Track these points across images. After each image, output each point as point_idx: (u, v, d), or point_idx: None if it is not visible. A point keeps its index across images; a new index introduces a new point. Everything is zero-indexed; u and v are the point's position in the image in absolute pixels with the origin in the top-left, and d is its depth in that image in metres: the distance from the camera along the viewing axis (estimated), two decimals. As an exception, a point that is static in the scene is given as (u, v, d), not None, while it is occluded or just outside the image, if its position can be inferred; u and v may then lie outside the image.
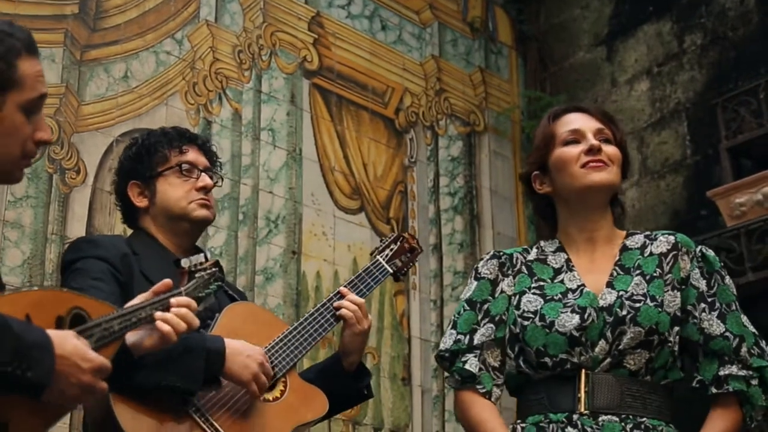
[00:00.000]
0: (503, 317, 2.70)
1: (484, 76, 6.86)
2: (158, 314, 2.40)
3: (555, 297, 2.63)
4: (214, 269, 2.70)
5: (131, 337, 2.40)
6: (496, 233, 6.46)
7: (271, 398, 2.94)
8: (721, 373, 2.57)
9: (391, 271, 3.35)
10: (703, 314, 2.60)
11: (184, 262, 2.65)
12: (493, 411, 2.66)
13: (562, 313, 2.58)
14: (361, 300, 3.18)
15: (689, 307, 2.61)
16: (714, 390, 2.57)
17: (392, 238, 3.44)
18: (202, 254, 2.72)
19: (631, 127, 6.43)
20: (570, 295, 2.62)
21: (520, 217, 6.67)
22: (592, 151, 2.67)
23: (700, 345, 2.60)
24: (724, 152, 5.64)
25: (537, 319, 2.60)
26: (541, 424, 2.56)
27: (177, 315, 2.43)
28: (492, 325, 2.70)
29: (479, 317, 2.72)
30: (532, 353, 2.59)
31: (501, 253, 2.82)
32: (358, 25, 6.22)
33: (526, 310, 2.64)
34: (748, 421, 2.58)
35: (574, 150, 2.70)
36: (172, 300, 2.46)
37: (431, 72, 6.55)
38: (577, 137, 2.72)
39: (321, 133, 5.81)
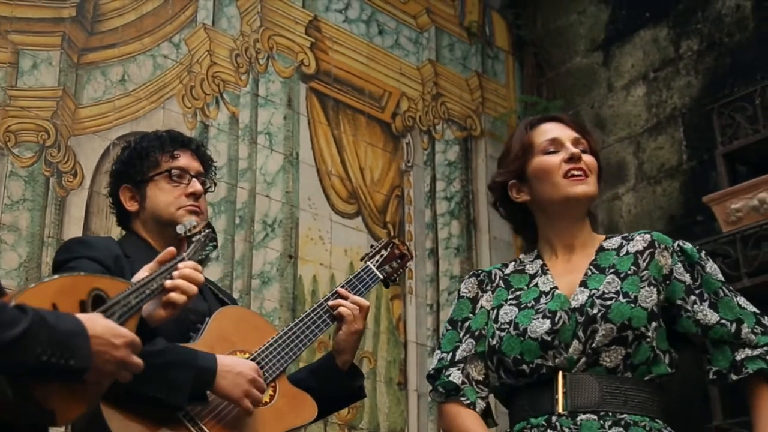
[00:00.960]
0: (482, 332, 2.70)
1: (480, 81, 6.87)
2: (168, 282, 2.48)
3: (528, 304, 2.63)
4: (207, 230, 2.77)
5: (145, 310, 2.44)
6: (492, 237, 6.46)
7: (260, 403, 2.94)
8: (738, 358, 2.55)
9: (381, 276, 3.35)
10: (695, 306, 2.59)
11: (179, 228, 2.73)
12: (477, 420, 2.67)
13: (534, 319, 2.58)
14: (364, 302, 3.19)
15: (679, 302, 2.60)
16: (734, 377, 2.55)
17: (382, 244, 3.44)
18: (193, 218, 2.80)
19: (627, 132, 6.45)
20: (542, 300, 2.62)
21: (517, 221, 6.63)
22: (573, 159, 2.68)
23: (702, 337, 2.59)
24: (720, 158, 5.63)
25: (512, 328, 2.60)
26: (524, 430, 2.55)
27: (183, 277, 2.50)
28: (472, 340, 2.70)
29: (461, 334, 2.74)
30: (510, 362, 2.58)
31: (480, 272, 2.84)
32: (356, 30, 6.22)
33: (502, 321, 2.64)
34: None
35: (554, 159, 2.70)
36: (180, 265, 2.53)
37: (428, 76, 6.56)
38: (555, 146, 2.72)
39: (318, 137, 5.81)
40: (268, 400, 2.95)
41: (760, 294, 5.03)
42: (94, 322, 2.10)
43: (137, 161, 3.12)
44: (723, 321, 2.58)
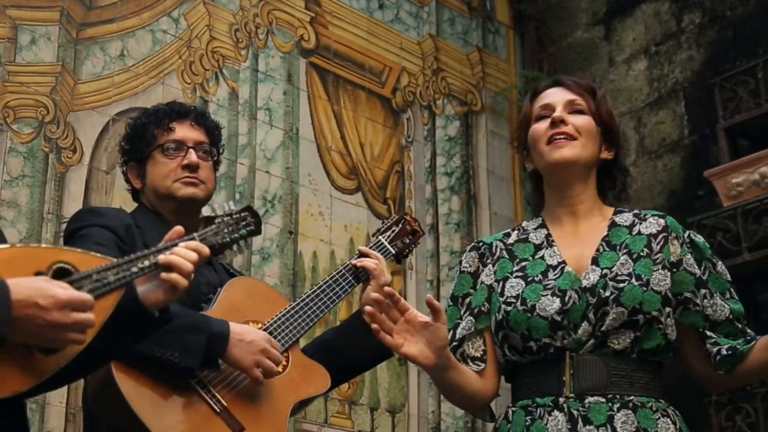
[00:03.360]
0: (482, 308, 2.66)
1: (481, 56, 6.84)
2: (161, 257, 2.27)
3: (536, 278, 2.59)
4: (243, 213, 2.64)
5: (141, 289, 2.29)
6: (492, 213, 6.46)
7: (273, 374, 2.93)
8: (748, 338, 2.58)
9: (393, 251, 3.35)
10: (705, 300, 2.57)
11: (205, 210, 2.61)
12: (470, 375, 2.64)
13: (542, 296, 2.54)
14: (382, 257, 3.21)
15: (688, 294, 2.57)
16: (746, 346, 2.56)
17: (394, 219, 3.43)
18: (231, 202, 2.65)
19: (628, 106, 6.43)
20: (550, 274, 2.59)
21: (517, 196, 6.66)
22: (554, 124, 2.64)
23: (707, 330, 2.59)
24: (721, 132, 5.63)
25: (519, 303, 2.56)
26: (529, 408, 2.53)
27: (179, 255, 2.30)
28: (471, 318, 2.67)
29: (462, 311, 2.71)
30: (518, 338, 2.56)
31: (481, 244, 2.79)
32: (356, 4, 6.18)
33: (509, 295, 2.60)
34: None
35: (542, 126, 2.67)
36: (181, 244, 2.35)
37: (428, 51, 6.53)
38: (547, 112, 2.69)
39: (318, 112, 5.79)
40: (281, 371, 2.94)
41: (761, 268, 5.19)
42: (21, 285, 1.95)
43: (136, 139, 3.13)
44: (731, 318, 2.58)
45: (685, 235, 2.66)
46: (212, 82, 5.34)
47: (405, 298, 5.65)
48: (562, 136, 2.63)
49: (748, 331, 2.60)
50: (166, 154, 3.07)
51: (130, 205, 3.23)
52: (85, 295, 2.02)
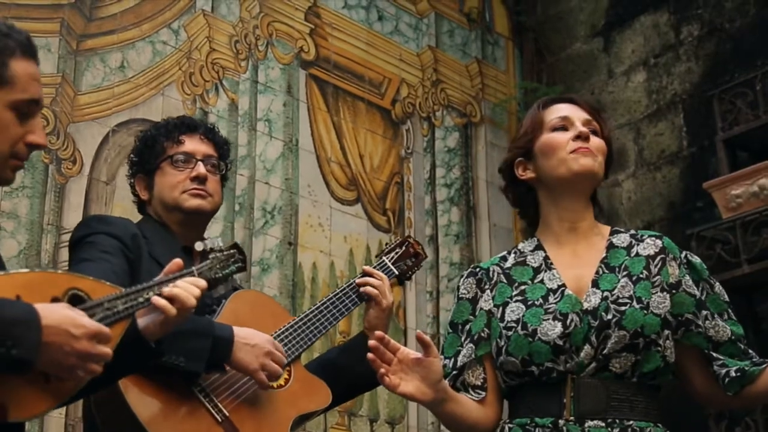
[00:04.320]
0: (482, 334, 2.65)
1: (480, 67, 6.83)
2: (165, 290, 2.29)
3: (536, 302, 2.57)
4: (232, 251, 2.65)
5: (141, 321, 2.31)
6: (492, 224, 6.43)
7: (275, 386, 2.94)
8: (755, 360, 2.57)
9: (396, 272, 3.36)
10: (707, 322, 2.57)
11: (198, 245, 2.60)
12: (472, 406, 2.63)
13: (543, 320, 2.53)
14: (385, 276, 3.23)
15: (689, 316, 2.56)
16: (756, 368, 2.54)
17: (398, 242, 3.45)
18: (218, 239, 2.66)
19: (627, 118, 6.42)
20: (551, 298, 2.57)
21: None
22: (581, 137, 2.65)
23: (712, 350, 2.57)
24: (720, 144, 5.60)
25: (519, 328, 2.54)
26: (527, 427, 2.52)
27: (183, 289, 2.32)
28: (472, 345, 2.65)
29: (462, 338, 2.69)
30: (518, 363, 2.54)
31: (478, 269, 2.77)
32: (355, 16, 6.18)
33: (509, 320, 2.58)
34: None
35: (562, 136, 2.66)
36: (183, 279, 2.37)
37: (428, 63, 6.52)
38: (566, 124, 2.69)
39: (317, 123, 5.78)
40: (283, 384, 2.95)
41: (760, 280, 5.16)
42: (52, 311, 1.94)
43: (146, 150, 3.15)
44: (733, 338, 2.57)
45: (682, 255, 2.65)
46: (212, 93, 5.33)
47: (404, 310, 5.73)
48: (586, 150, 2.65)
49: (751, 351, 2.59)
50: (174, 166, 3.09)
51: (130, 216, 3.22)
52: (106, 329, 2.03)
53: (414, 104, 6.34)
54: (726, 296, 2.65)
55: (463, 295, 2.73)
